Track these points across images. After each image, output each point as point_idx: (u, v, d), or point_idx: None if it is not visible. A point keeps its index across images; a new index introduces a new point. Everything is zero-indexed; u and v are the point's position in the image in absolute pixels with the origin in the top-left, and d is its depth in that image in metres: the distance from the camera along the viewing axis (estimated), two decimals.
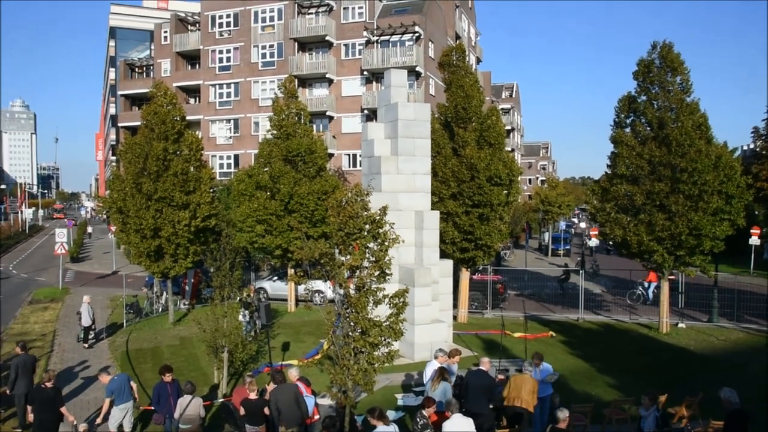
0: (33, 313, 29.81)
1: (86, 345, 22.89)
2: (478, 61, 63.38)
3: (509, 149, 37.05)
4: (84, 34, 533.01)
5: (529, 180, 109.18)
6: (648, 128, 23.40)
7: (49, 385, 13.20)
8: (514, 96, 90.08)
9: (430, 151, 22.25)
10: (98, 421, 13.60)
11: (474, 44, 61.00)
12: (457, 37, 54.57)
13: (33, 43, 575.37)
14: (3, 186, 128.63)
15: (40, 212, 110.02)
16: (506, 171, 24.19)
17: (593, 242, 52.60)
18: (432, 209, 22.02)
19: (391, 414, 12.71)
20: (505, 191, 24.84)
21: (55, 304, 31.99)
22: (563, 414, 10.37)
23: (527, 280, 37.83)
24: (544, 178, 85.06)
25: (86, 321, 22.98)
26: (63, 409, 13.28)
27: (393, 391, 17.05)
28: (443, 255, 22.95)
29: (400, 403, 16.10)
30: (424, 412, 10.95)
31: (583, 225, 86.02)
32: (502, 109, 65.54)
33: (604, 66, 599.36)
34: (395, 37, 46.04)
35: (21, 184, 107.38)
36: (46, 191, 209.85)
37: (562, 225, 62.14)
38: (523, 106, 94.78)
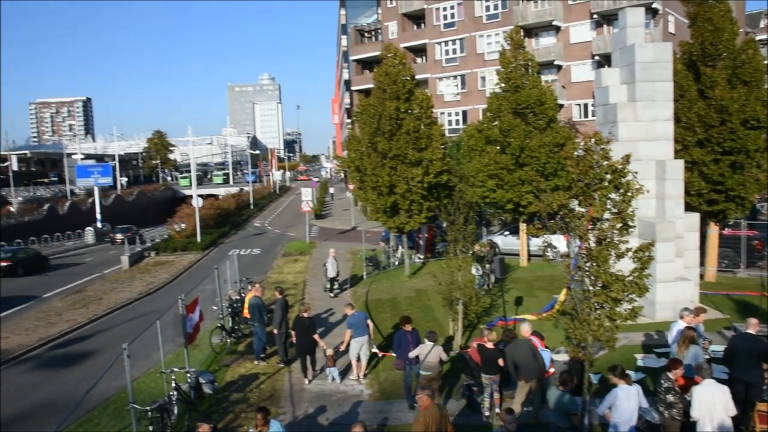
0: (286, 265, 33.12)
1: (332, 294, 24.86)
2: None
3: None
4: (317, 7, 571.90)
5: None
6: None
7: (306, 315, 15.78)
8: None
9: (672, 94, 20.41)
10: (342, 348, 15.74)
11: None
12: None
13: (273, 20, 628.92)
14: (257, 152, 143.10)
15: (287, 174, 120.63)
16: (765, 112, 21.43)
17: None
18: (675, 158, 20.30)
19: (630, 374, 12.11)
20: (764, 135, 22.06)
21: (303, 257, 35.17)
22: None
23: None
24: None
25: (332, 272, 24.96)
26: (315, 336, 15.73)
27: (632, 350, 16.24)
28: (688, 208, 21.11)
29: (639, 363, 15.31)
30: (670, 375, 10.24)
31: None
32: (759, 41, 57.94)
33: None
34: None
35: (270, 149, 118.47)
36: (291, 155, 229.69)
37: None
38: None
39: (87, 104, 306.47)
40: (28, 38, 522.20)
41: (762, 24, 74.51)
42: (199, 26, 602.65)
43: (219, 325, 19.03)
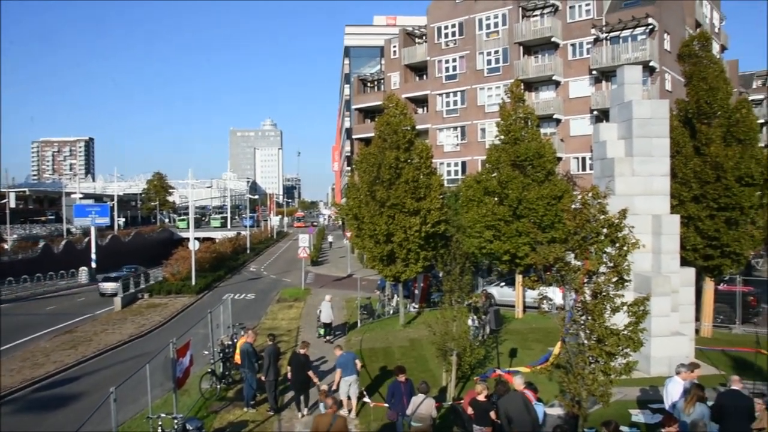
0: (280, 311, 32.90)
1: (326, 339, 24.67)
2: (723, 49, 57.45)
3: (762, 145, 32.83)
4: (322, 56, 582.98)
5: None
6: None
7: (302, 351, 16.38)
8: None
9: (669, 150, 20.64)
10: (334, 387, 16.35)
11: (718, 30, 55.50)
12: (698, 24, 49.99)
13: (278, 68, 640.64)
14: (256, 196, 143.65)
15: (285, 220, 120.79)
16: (759, 169, 21.69)
17: None
18: (671, 213, 20.42)
19: (624, 430, 11.94)
20: (758, 192, 22.26)
21: (298, 303, 34.96)
22: None
23: None
24: None
25: (326, 318, 24.80)
26: (310, 373, 16.30)
27: (626, 405, 16.02)
28: (684, 262, 21.13)
29: (634, 419, 15.10)
30: None
31: None
32: (752, 100, 58.68)
33: None
34: (626, 32, 43.70)
35: (270, 194, 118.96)
36: (290, 200, 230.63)
37: None
38: None
39: (89, 144, 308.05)
40: (31, 77, 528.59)
41: (755, 85, 75.85)
42: (204, 71, 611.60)
43: (210, 370, 18.75)
